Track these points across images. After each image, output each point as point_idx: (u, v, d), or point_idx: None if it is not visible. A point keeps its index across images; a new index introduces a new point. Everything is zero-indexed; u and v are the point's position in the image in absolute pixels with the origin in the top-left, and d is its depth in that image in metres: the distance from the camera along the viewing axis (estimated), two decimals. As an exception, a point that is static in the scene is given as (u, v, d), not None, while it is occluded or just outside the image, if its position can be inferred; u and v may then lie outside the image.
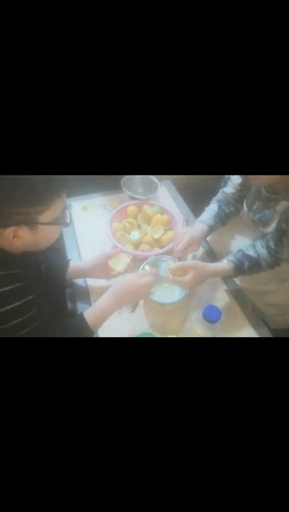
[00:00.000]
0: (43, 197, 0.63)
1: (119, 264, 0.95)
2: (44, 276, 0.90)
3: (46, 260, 0.92)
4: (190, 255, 1.13)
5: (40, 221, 0.65)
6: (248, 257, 0.92)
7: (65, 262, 0.96)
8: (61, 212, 0.69)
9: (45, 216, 0.65)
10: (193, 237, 0.98)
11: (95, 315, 0.79)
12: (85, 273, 0.98)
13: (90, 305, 0.96)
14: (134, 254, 0.99)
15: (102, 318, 0.80)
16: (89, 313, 0.79)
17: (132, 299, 0.86)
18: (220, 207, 1.08)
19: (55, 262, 0.94)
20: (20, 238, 0.65)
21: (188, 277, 0.86)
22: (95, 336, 0.89)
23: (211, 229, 1.05)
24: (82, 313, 0.79)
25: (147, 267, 0.95)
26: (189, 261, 0.89)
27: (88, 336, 0.78)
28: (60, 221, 0.70)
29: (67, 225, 0.72)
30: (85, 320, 0.77)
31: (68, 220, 0.72)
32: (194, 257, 1.14)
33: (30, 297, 0.67)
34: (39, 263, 0.91)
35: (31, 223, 0.64)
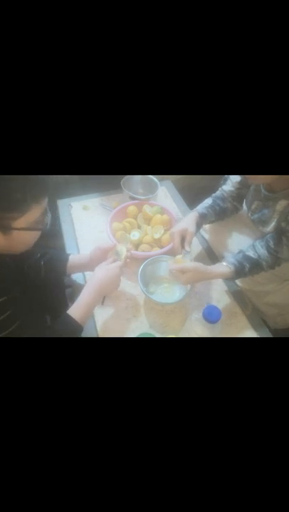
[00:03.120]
0: (19, 204, 0.62)
1: (118, 256, 0.94)
2: (44, 272, 0.91)
3: (46, 255, 0.92)
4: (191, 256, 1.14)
5: (14, 227, 0.63)
6: (248, 258, 0.92)
7: (65, 256, 0.96)
8: (40, 217, 0.67)
9: (20, 222, 0.64)
10: (182, 228, 0.98)
11: (80, 311, 0.79)
12: (83, 267, 0.98)
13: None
14: (133, 255, 0.99)
15: (88, 312, 0.81)
16: (74, 310, 0.79)
17: (109, 290, 0.86)
18: (214, 201, 1.08)
19: (55, 256, 0.95)
20: None
21: (185, 276, 0.87)
22: (95, 336, 0.89)
23: (203, 217, 1.05)
24: (67, 313, 0.79)
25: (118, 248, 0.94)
26: (191, 263, 0.89)
27: (78, 331, 0.78)
28: (37, 226, 0.68)
29: (44, 229, 0.70)
30: (71, 317, 0.77)
31: (47, 225, 0.70)
32: (196, 258, 1.14)
33: (3, 298, 0.65)
34: (38, 259, 0.91)
35: (4, 228, 0.63)
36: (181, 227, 0.99)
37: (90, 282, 0.83)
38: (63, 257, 0.96)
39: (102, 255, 0.93)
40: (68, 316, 0.77)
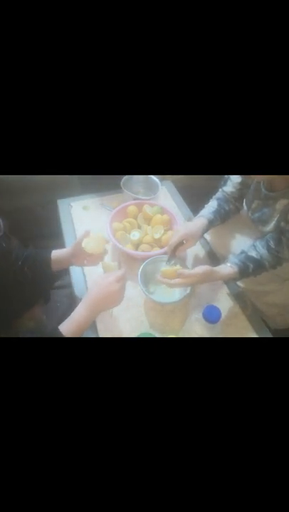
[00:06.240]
0: None
1: (91, 245, 0.86)
2: (31, 276, 0.88)
3: (28, 261, 0.88)
4: (190, 255, 1.14)
5: None
6: (251, 258, 0.92)
7: (47, 254, 0.91)
8: None
9: None
10: (189, 232, 0.97)
11: (72, 329, 0.73)
12: (67, 261, 0.93)
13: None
14: (134, 255, 0.99)
15: (79, 330, 0.75)
16: (65, 327, 0.74)
17: (107, 306, 0.80)
18: (219, 204, 1.08)
19: (38, 258, 0.91)
20: None
21: (198, 275, 0.85)
22: (95, 336, 0.89)
23: (211, 223, 1.05)
24: (58, 328, 0.73)
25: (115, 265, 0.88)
26: (201, 266, 0.87)
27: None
28: None
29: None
30: (61, 334, 0.72)
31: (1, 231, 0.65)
32: (195, 258, 1.14)
33: None
34: (21, 266, 0.88)
35: None
36: (188, 232, 0.97)
37: (84, 298, 0.77)
38: (45, 256, 0.91)
39: (79, 249, 0.87)
40: (58, 333, 0.72)
